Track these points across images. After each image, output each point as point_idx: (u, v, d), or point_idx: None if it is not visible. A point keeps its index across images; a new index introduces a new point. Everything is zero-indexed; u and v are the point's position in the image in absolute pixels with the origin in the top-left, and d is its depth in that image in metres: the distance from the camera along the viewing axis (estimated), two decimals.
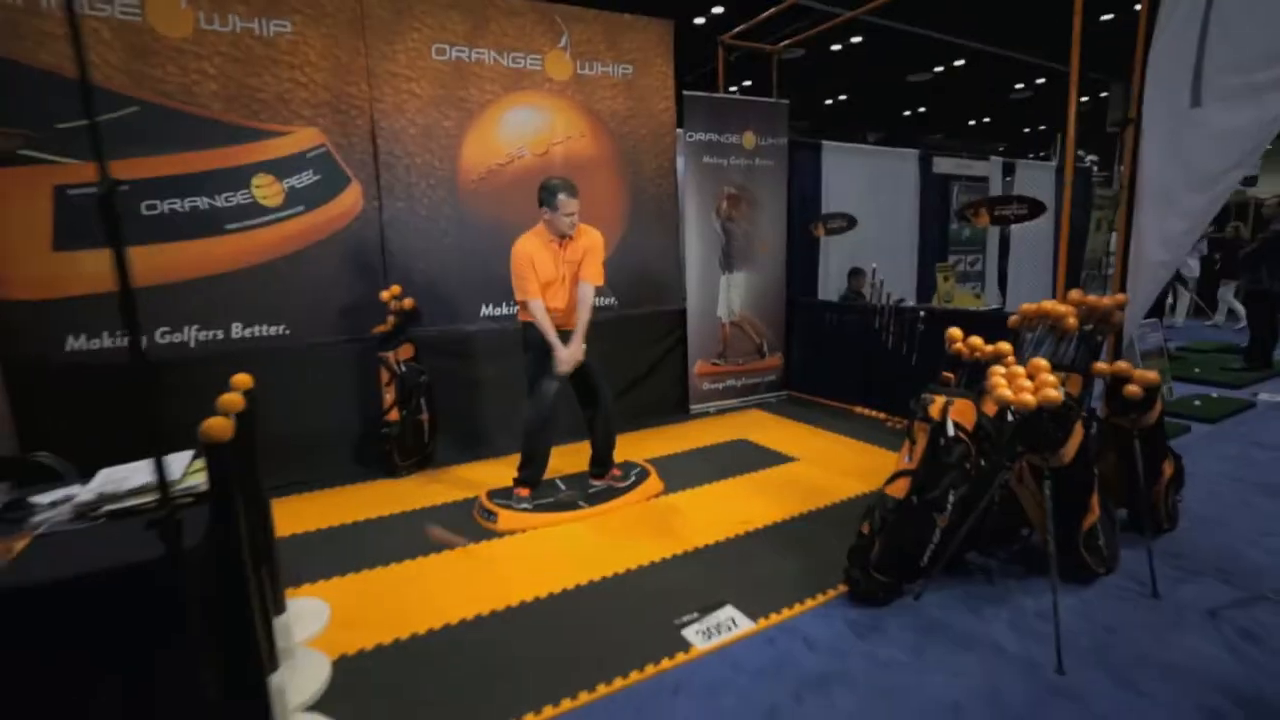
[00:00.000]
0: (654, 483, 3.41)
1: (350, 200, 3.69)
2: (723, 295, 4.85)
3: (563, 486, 3.41)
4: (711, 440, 4.26)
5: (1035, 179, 7.16)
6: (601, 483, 3.39)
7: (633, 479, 3.39)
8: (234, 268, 3.45)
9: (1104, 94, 17.12)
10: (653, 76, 4.46)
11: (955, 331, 2.37)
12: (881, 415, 4.55)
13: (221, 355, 3.44)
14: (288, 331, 3.62)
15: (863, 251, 5.98)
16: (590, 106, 4.27)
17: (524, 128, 4.08)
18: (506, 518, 3.01)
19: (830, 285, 5.94)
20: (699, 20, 7.44)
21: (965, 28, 12.09)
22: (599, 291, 3.86)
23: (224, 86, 3.32)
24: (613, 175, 4.40)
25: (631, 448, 4.05)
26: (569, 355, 2.99)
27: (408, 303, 3.73)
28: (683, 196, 4.67)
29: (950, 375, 2.36)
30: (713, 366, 4.91)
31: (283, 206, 3.52)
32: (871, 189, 5.97)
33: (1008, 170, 7.06)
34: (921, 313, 4.21)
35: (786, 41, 5.01)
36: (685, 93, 4.46)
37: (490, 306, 4.14)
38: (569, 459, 3.72)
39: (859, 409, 4.73)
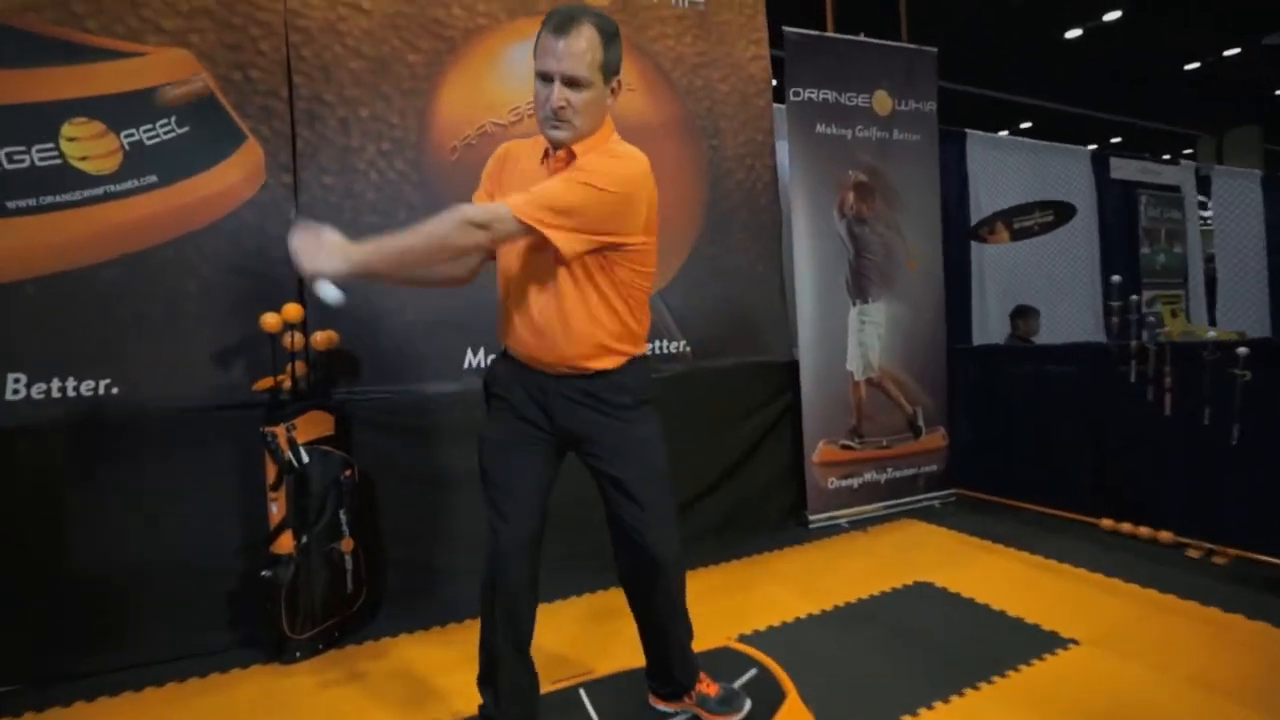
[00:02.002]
0: (795, 713, 1.53)
1: (242, 170, 2.19)
2: (853, 337, 3.09)
3: (591, 710, 1.57)
4: (865, 586, 2.35)
5: (1239, 190, 5.30)
6: (676, 708, 1.54)
7: (746, 706, 1.52)
8: (16, 277, 1.95)
9: (1187, 150, 15.48)
10: (735, 9, 2.97)
11: None
12: (1165, 535, 2.55)
13: None
14: (115, 390, 2.04)
15: (1027, 281, 4.18)
16: (643, 46, 2.78)
17: None
18: None
19: (987, 328, 4.11)
20: None
21: (1034, 87, 10.98)
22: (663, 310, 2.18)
23: None
24: (679, 151, 2.83)
25: (722, 603, 2.20)
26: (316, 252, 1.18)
27: (321, 339, 2.12)
28: (787, 185, 3.05)
29: None
30: (842, 452, 3.07)
31: (118, 175, 2.04)
32: (1034, 196, 4.23)
33: (1202, 182, 5.24)
34: (1243, 350, 2.32)
35: None
36: (787, 30, 2.94)
37: (480, 354, 2.50)
38: (603, 618, 1.90)
39: (1106, 522, 2.76)
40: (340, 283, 1.19)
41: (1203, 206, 5.37)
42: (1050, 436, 3.02)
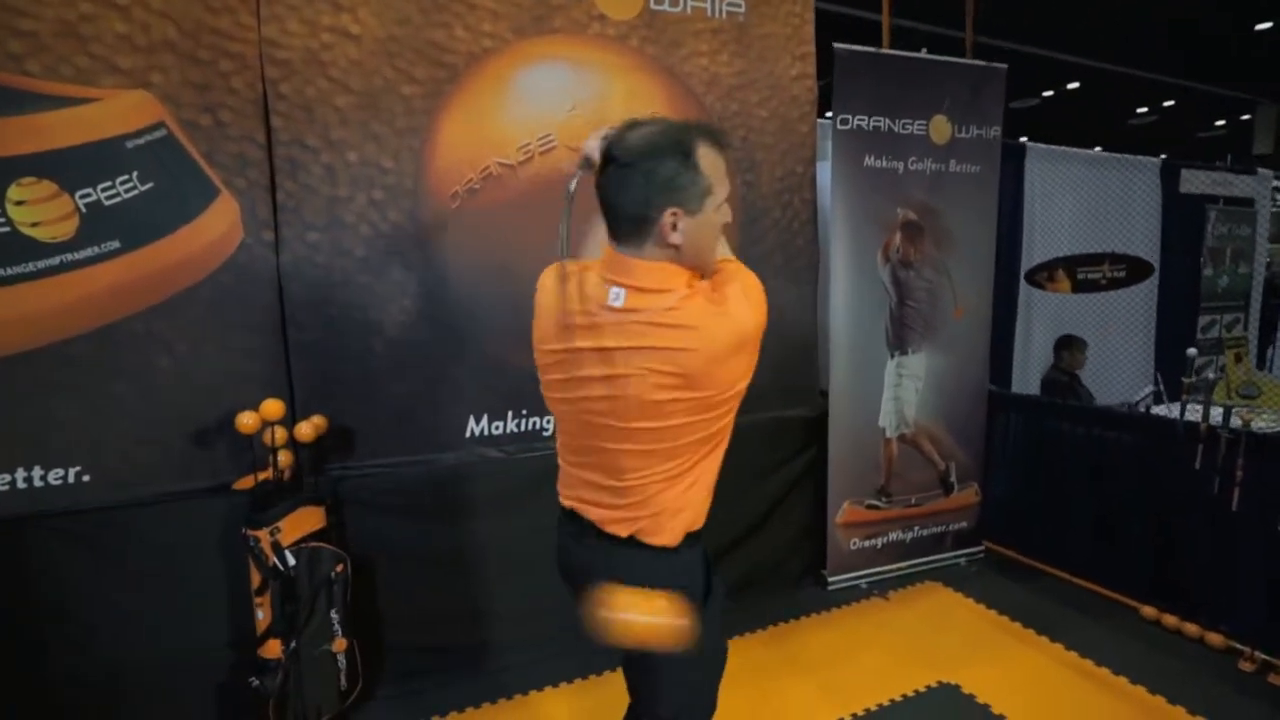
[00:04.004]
0: None
1: (216, 228, 1.95)
2: (889, 391, 2.84)
3: None
4: (887, 683, 2.22)
5: None
6: None
7: None
8: None
9: (1245, 116, 14.46)
10: (779, 21, 2.59)
11: None
12: (1215, 637, 2.37)
13: None
14: (86, 478, 1.87)
15: (1075, 310, 3.86)
16: (672, 67, 2.44)
17: (552, 100, 2.27)
18: None
19: (1029, 365, 3.83)
20: None
21: (1084, 45, 10.14)
22: None
23: None
24: None
25: (737, 703, 2.06)
26: None
27: (308, 430, 1.92)
28: (827, 225, 2.74)
29: None
30: (868, 512, 2.89)
31: (75, 241, 1.81)
32: (1093, 216, 3.86)
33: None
34: None
35: None
36: (838, 46, 2.56)
37: (484, 421, 2.30)
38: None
39: (1148, 610, 2.58)
40: None
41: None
42: (1095, 505, 2.81)
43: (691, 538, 1.13)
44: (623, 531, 1.11)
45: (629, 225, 1.03)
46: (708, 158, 1.01)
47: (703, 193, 1.02)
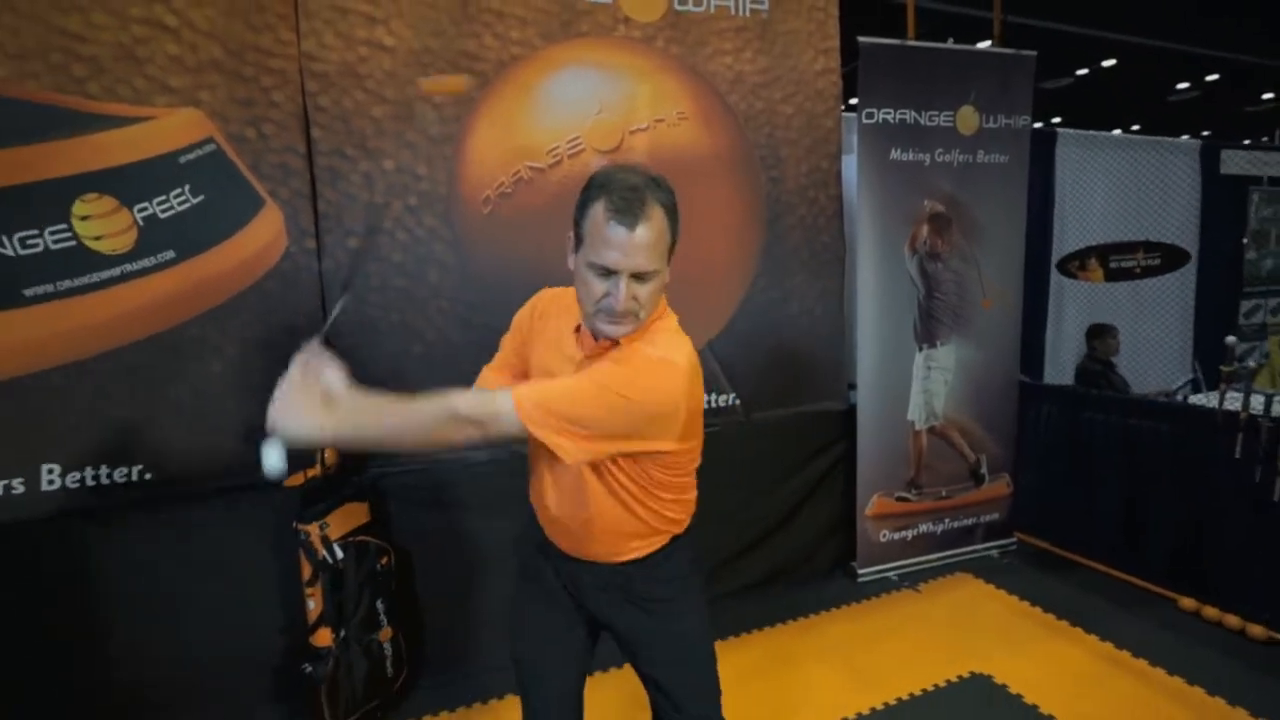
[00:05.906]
0: None
1: (262, 238, 2.04)
2: (917, 384, 2.84)
3: None
4: (917, 674, 2.23)
5: None
6: None
7: None
8: (42, 366, 1.87)
9: None
10: (802, 16, 2.59)
11: None
12: (1257, 629, 2.34)
13: (20, 526, 1.86)
14: (149, 476, 1.99)
15: (1109, 297, 3.79)
16: (697, 67, 2.46)
17: (580, 105, 2.32)
18: None
19: (1060, 356, 3.77)
20: None
21: (1120, 20, 9.78)
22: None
23: (11, 34, 1.77)
24: (734, 189, 2.55)
25: (762, 689, 2.11)
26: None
27: None
28: (853, 220, 2.75)
29: None
30: (898, 504, 2.90)
31: (134, 253, 1.91)
32: (1128, 202, 3.78)
33: None
34: None
35: None
36: (862, 40, 2.56)
37: None
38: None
39: (1187, 602, 2.55)
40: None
41: None
42: (1130, 495, 2.78)
43: None
44: None
45: None
46: (595, 216, 1.00)
47: (580, 234, 1.04)
